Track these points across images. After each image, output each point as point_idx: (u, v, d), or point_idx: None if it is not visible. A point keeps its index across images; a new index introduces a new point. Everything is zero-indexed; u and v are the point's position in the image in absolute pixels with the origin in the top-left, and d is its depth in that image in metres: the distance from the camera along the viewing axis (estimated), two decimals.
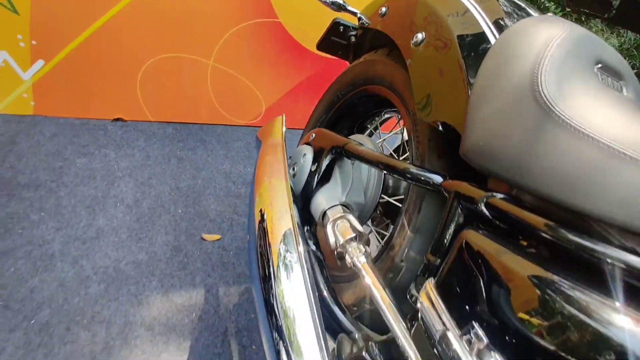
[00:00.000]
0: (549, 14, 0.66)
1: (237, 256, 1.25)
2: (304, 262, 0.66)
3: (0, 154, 1.36)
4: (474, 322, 0.45)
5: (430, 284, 0.53)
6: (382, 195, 0.94)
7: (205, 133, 1.81)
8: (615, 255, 0.37)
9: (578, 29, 0.55)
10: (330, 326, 0.80)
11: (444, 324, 0.50)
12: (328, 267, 0.90)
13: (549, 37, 0.51)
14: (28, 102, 1.58)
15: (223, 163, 1.65)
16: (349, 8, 1.07)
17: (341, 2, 1.07)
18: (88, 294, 1.02)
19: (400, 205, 0.93)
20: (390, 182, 0.98)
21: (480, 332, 0.44)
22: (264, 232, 0.74)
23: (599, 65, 0.56)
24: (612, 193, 0.39)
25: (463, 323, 0.47)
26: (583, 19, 4.08)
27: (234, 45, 1.73)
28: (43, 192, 1.27)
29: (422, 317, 0.52)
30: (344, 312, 0.82)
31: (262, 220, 0.77)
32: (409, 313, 0.57)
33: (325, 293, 0.86)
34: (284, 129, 0.95)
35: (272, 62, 1.83)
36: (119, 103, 1.70)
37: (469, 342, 0.45)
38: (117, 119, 1.72)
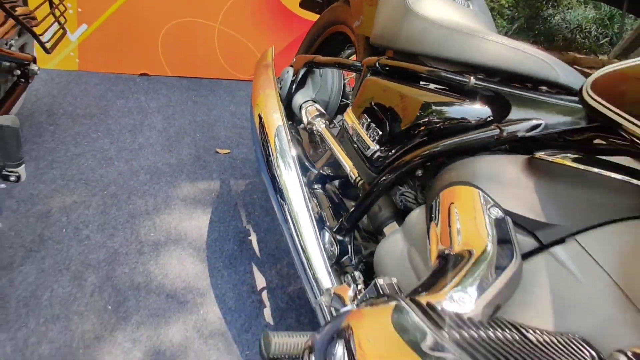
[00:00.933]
0: None
1: (242, 162, 1.67)
2: (290, 145, 1.05)
3: (60, 95, 1.79)
4: (373, 125, 0.87)
5: (349, 110, 0.95)
6: (343, 99, 1.35)
7: (214, 85, 2.22)
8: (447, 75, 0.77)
9: None
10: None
11: (358, 132, 0.92)
12: (305, 148, 1.32)
13: None
14: (74, 60, 1.99)
15: (229, 105, 2.06)
16: None
17: None
18: (139, 180, 1.45)
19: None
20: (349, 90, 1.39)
21: (379, 130, 0.85)
22: (262, 129, 1.15)
23: None
24: (444, 47, 0.79)
25: (370, 130, 0.88)
26: None
27: (236, 11, 2.13)
28: (96, 120, 1.70)
29: (345, 130, 0.95)
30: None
31: (260, 120, 1.17)
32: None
33: (307, 163, 1.27)
34: (273, 55, 1.35)
35: (267, 26, 2.23)
36: (144, 61, 2.11)
37: (374, 137, 0.87)
38: (143, 74, 2.13)
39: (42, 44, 1.21)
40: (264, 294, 1.17)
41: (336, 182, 1.16)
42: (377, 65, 0.93)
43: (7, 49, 1.17)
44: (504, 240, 0.53)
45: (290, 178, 0.99)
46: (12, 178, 0.93)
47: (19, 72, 1.17)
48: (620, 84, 0.54)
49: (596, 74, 0.56)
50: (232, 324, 1.06)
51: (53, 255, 1.11)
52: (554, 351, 0.42)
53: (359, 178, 0.91)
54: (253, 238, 1.35)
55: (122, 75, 2.07)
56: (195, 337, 1.01)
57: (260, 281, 1.20)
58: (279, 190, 0.98)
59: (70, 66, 1.99)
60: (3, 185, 1.24)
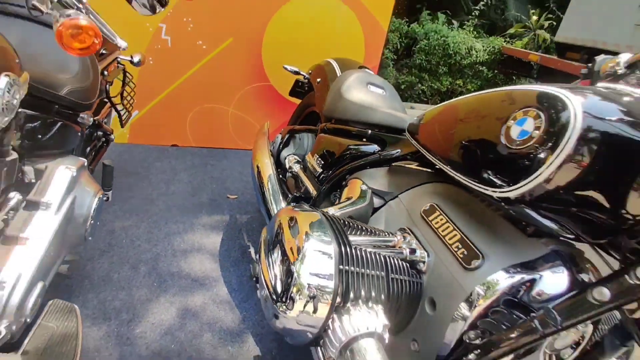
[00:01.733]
0: (365, 68, 1.77)
1: (246, 204, 2.26)
2: (277, 185, 1.66)
3: (116, 159, 2.46)
4: (321, 160, 1.50)
5: (309, 154, 1.58)
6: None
7: (227, 153, 2.90)
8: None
9: (364, 72, 1.65)
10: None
11: (313, 165, 1.54)
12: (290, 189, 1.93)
13: (349, 74, 1.60)
14: (126, 135, 2.71)
15: (238, 167, 2.72)
16: (302, 72, 2.20)
17: (297, 70, 2.19)
18: (172, 213, 2.04)
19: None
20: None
21: (322, 161, 1.48)
22: (259, 176, 1.78)
23: (369, 84, 1.64)
24: (357, 116, 1.45)
25: (319, 163, 1.51)
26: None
27: (245, 98, 2.89)
28: (141, 176, 2.34)
29: (307, 166, 1.57)
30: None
31: (257, 170, 1.81)
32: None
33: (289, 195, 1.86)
34: (268, 127, 2.02)
35: (267, 108, 2.97)
36: (175, 135, 2.82)
37: (320, 166, 1.49)
38: (174, 145, 2.83)
39: (122, 123, 1.89)
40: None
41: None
42: (325, 127, 1.57)
43: (104, 123, 1.85)
44: (367, 199, 1.11)
45: (279, 207, 1.58)
46: (105, 198, 1.53)
47: (104, 139, 1.83)
48: (418, 128, 1.15)
49: (411, 121, 1.18)
50: (235, 297, 1.57)
51: (118, 255, 1.67)
52: (378, 235, 0.98)
53: (315, 192, 1.50)
54: (252, 250, 1.89)
55: (159, 147, 2.77)
56: (210, 303, 1.52)
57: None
58: (270, 216, 1.57)
59: (122, 139, 2.70)
60: None
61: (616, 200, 0.63)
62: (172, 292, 1.54)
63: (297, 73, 2.17)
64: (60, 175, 1.20)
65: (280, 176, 1.93)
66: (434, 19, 5.99)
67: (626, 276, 0.60)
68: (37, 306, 1.00)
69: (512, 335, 0.70)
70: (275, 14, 2.69)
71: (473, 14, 6.32)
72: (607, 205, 0.64)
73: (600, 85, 0.84)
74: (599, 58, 0.98)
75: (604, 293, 0.61)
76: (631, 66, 0.89)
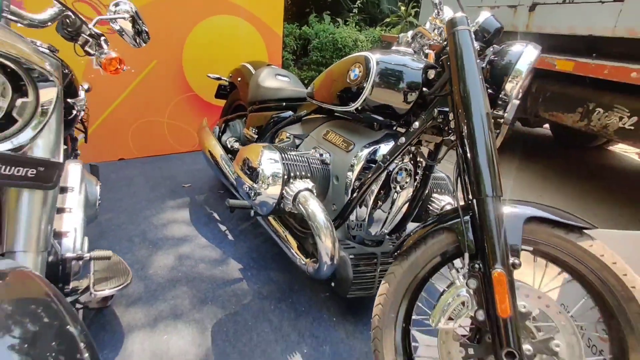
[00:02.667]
0: (272, 65, 2.44)
1: (199, 189, 2.80)
2: (229, 161, 2.26)
3: None
4: (254, 128, 2.14)
5: (245, 128, 2.22)
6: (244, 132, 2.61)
7: (169, 158, 3.38)
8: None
9: (272, 67, 2.33)
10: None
11: (250, 133, 2.18)
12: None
13: (261, 70, 2.26)
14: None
15: (182, 165, 3.22)
16: (223, 78, 2.80)
17: (219, 76, 2.79)
18: (142, 204, 2.51)
19: None
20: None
21: (255, 129, 2.13)
22: (212, 157, 2.36)
23: (277, 75, 2.32)
24: (272, 95, 2.11)
25: (251, 130, 2.16)
26: None
27: (176, 108, 3.39)
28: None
29: (246, 135, 2.21)
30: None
31: (210, 154, 2.39)
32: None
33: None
34: (206, 122, 2.60)
35: (195, 113, 3.50)
36: (120, 150, 3.23)
37: (254, 132, 2.13)
38: (120, 159, 3.24)
39: (86, 139, 2.32)
40: (231, 234, 2.27)
41: None
42: (252, 109, 2.21)
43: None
44: (291, 140, 1.78)
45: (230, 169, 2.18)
46: None
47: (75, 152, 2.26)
48: (312, 91, 1.85)
49: (307, 90, 1.87)
50: (213, 241, 2.14)
51: (112, 236, 2.14)
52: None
53: None
54: (215, 215, 2.46)
55: (108, 162, 3.16)
56: (196, 248, 2.08)
57: (223, 228, 2.30)
58: (231, 183, 2.17)
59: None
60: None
61: (402, 101, 1.38)
62: (166, 248, 2.06)
63: (218, 79, 2.78)
64: (74, 169, 1.69)
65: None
66: (320, 20, 6.88)
67: (416, 122, 1.34)
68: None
69: (373, 177, 1.42)
70: (189, 35, 3.25)
71: (353, 11, 7.35)
72: (398, 105, 1.38)
73: (394, 48, 1.61)
74: (402, 35, 1.75)
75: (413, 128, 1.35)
76: (413, 38, 1.66)
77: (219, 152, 2.30)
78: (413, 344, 1.22)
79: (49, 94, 0.84)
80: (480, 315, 1.05)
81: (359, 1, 7.44)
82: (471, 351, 1.09)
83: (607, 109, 2.86)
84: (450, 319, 1.06)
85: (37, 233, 0.92)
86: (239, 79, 2.53)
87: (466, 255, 1.07)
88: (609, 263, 1.02)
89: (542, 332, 1.05)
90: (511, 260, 1.02)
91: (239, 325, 1.59)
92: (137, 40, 1.43)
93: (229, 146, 2.45)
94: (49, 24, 1.08)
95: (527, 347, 1.02)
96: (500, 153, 1.13)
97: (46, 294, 0.60)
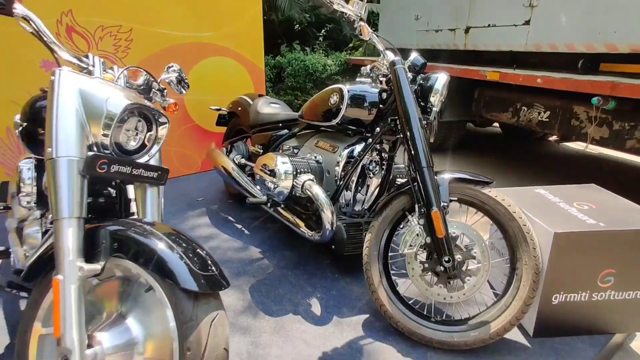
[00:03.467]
0: (264, 97, 3.10)
1: (212, 200, 3.38)
2: (241, 172, 2.87)
3: None
4: (258, 145, 2.78)
5: (250, 145, 2.84)
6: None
7: (177, 179, 3.94)
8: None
9: (265, 97, 2.98)
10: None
11: (255, 150, 2.81)
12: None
13: (258, 100, 2.91)
14: None
15: (193, 184, 3.79)
16: (222, 109, 3.42)
17: (219, 107, 3.41)
18: (167, 216, 3.07)
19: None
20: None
21: (259, 145, 2.77)
22: (226, 171, 2.97)
23: (270, 103, 2.98)
24: (268, 119, 2.76)
25: (256, 146, 2.80)
26: None
27: (181, 138, 3.97)
28: None
29: (252, 152, 2.84)
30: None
31: (224, 169, 3.00)
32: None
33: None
34: (214, 145, 3.21)
35: (197, 140, 4.09)
36: None
37: (259, 147, 2.77)
38: None
39: None
40: (247, 229, 2.86)
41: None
42: (254, 130, 2.84)
43: None
44: (289, 152, 2.43)
45: (250, 184, 2.79)
46: None
47: None
48: (302, 113, 2.50)
49: (299, 113, 2.52)
50: (235, 236, 2.73)
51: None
52: None
53: None
54: (230, 217, 3.04)
55: None
56: (221, 242, 2.65)
57: (239, 226, 2.89)
58: (247, 191, 2.77)
59: None
60: None
61: (367, 115, 2.04)
62: (195, 225, 2.62)
63: (219, 110, 3.40)
64: None
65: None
66: (291, 49, 7.64)
67: (378, 128, 2.00)
68: None
69: (352, 169, 2.07)
70: (188, 75, 3.85)
71: (320, 39, 8.16)
72: (365, 118, 2.05)
73: (358, 80, 2.28)
74: (363, 68, 2.44)
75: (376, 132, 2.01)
76: (371, 70, 2.35)
77: (230, 166, 2.91)
78: (391, 271, 1.86)
79: (164, 129, 1.45)
80: (428, 240, 1.69)
81: (324, 30, 8.28)
82: (427, 265, 1.73)
83: (529, 107, 3.65)
84: (410, 246, 1.71)
85: (157, 209, 1.52)
86: (239, 108, 3.16)
87: (417, 206, 1.72)
88: (500, 200, 1.69)
89: (467, 246, 1.71)
90: (442, 204, 1.68)
91: (268, 286, 2.18)
92: (178, 88, 2.05)
93: (236, 162, 3.05)
94: (143, 87, 1.69)
95: (457, 256, 1.67)
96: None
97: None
